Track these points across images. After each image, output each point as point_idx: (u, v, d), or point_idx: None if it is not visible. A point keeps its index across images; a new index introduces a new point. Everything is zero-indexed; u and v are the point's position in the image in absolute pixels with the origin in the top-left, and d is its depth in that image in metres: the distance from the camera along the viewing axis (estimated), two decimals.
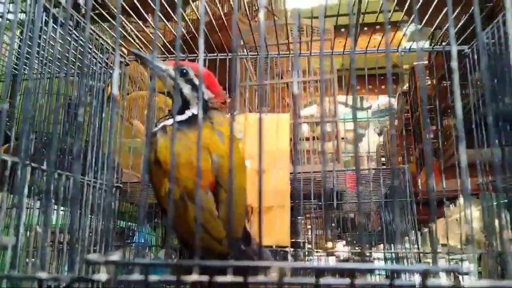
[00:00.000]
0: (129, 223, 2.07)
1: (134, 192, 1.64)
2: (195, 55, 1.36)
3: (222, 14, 1.36)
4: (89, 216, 1.12)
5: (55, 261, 1.16)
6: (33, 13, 0.93)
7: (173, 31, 2.04)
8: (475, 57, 1.23)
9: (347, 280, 0.36)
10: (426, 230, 2.92)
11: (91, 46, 1.21)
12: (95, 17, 1.18)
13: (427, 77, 3.46)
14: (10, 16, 0.92)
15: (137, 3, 1.12)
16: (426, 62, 3.31)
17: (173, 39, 2.02)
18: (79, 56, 1.12)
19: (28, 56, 1.08)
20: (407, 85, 4.08)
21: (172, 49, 1.34)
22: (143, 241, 1.87)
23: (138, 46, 1.33)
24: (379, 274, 1.86)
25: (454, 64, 0.39)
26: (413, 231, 1.63)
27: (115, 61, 0.50)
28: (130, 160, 1.50)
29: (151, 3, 1.08)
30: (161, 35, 1.42)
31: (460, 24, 1.18)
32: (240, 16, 2.38)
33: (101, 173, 1.17)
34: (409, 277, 1.24)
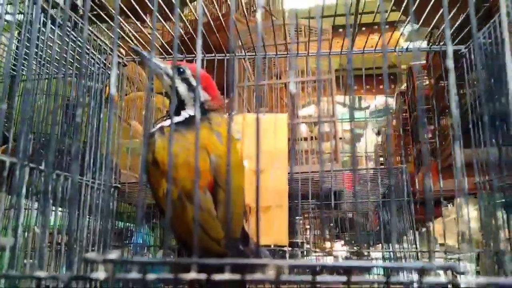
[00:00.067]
0: (128, 223, 2.07)
1: (133, 193, 1.64)
2: (193, 55, 1.36)
3: (220, 14, 1.36)
4: (87, 216, 1.12)
5: (53, 262, 1.16)
6: (31, 14, 0.94)
7: (171, 31, 2.04)
8: (472, 57, 1.24)
9: (343, 278, 0.36)
10: (424, 229, 2.92)
11: (89, 47, 1.21)
12: (93, 18, 1.18)
13: (425, 77, 3.47)
14: (8, 17, 0.93)
15: (135, 4, 1.12)
16: (424, 62, 3.32)
17: (171, 39, 2.02)
18: (77, 57, 1.12)
19: (26, 57, 1.09)
20: (405, 85, 4.09)
21: (170, 50, 1.34)
22: (141, 242, 1.87)
23: (136, 46, 1.33)
24: (378, 274, 1.86)
25: (450, 63, 0.40)
26: (411, 231, 1.63)
27: (113, 61, 0.51)
28: (128, 160, 1.50)
29: (149, 4, 1.08)
30: (159, 36, 1.42)
31: (457, 24, 1.19)
32: (238, 16, 2.38)
33: (99, 173, 1.18)
34: (407, 276, 1.25)
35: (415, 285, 0.39)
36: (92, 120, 1.20)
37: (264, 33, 1.78)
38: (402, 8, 1.23)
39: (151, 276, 0.40)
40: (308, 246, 2.15)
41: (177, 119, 0.91)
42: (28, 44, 0.87)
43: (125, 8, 1.12)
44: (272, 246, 1.25)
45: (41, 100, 1.05)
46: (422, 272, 0.37)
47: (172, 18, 1.13)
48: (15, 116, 1.67)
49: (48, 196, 0.89)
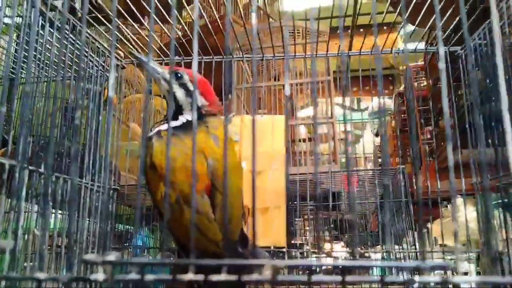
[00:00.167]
0: (127, 226, 2.07)
1: (132, 195, 1.65)
2: (191, 58, 1.37)
3: (217, 17, 1.37)
4: (87, 218, 1.12)
5: (53, 264, 1.16)
6: (30, 17, 0.94)
7: (168, 34, 2.04)
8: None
9: (338, 278, 0.37)
10: (424, 230, 2.92)
11: (87, 50, 1.22)
12: (91, 20, 1.18)
13: (423, 78, 3.48)
14: (7, 20, 0.93)
15: (132, 7, 1.13)
16: (422, 63, 3.33)
17: (169, 42, 2.02)
18: (76, 60, 1.13)
19: (25, 60, 1.09)
20: (403, 86, 4.09)
21: (168, 52, 1.34)
22: (141, 244, 1.87)
23: (134, 49, 1.34)
24: (376, 275, 1.86)
25: (441, 64, 0.40)
26: (409, 231, 1.63)
27: (111, 64, 0.51)
28: (127, 162, 1.50)
29: (147, 6, 1.08)
30: (157, 38, 1.42)
31: (453, 25, 1.20)
32: (235, 18, 2.39)
33: (99, 175, 1.18)
34: (407, 276, 1.25)
35: (411, 284, 0.40)
36: (91, 122, 1.20)
37: (263, 35, 1.79)
38: (398, 9, 1.23)
39: (149, 277, 0.40)
40: (308, 247, 2.15)
41: (174, 123, 0.91)
42: (26, 47, 0.87)
43: (123, 11, 1.12)
44: (272, 247, 1.25)
45: (40, 102, 1.06)
46: (415, 271, 0.38)
47: (169, 20, 1.14)
48: (14, 118, 1.68)
49: (47, 198, 0.89)
